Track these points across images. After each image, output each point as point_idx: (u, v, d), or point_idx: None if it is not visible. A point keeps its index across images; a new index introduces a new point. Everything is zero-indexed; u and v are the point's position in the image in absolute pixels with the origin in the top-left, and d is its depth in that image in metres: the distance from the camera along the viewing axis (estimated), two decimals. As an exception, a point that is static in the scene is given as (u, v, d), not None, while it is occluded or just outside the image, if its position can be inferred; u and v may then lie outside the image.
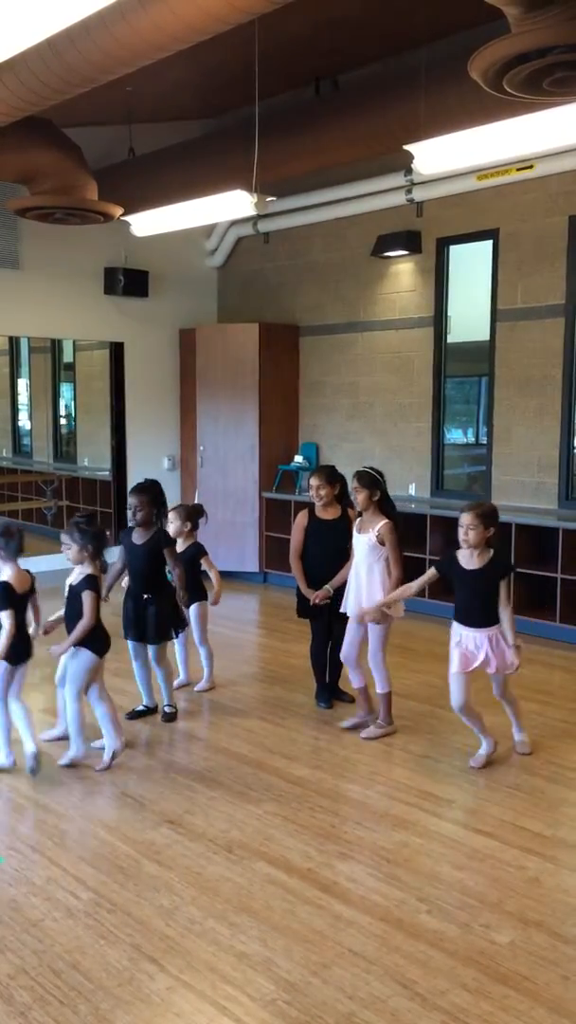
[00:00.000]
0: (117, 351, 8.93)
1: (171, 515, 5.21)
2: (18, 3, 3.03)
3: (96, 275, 8.53)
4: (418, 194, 7.34)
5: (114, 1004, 2.64)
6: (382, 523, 4.60)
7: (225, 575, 8.53)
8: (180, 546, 5.22)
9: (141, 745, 4.63)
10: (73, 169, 6.24)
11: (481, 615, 4.21)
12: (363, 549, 4.65)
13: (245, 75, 6.01)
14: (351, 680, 4.86)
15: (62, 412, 11.51)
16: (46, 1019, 2.57)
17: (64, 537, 4.24)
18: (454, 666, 4.26)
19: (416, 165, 5.35)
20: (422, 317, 7.67)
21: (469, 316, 7.52)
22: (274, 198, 6.13)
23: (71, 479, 10.43)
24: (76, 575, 4.23)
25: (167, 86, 6.72)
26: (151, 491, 4.78)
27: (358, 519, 4.72)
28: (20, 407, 12.52)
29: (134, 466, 9.01)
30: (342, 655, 4.85)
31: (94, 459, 10.27)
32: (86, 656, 4.18)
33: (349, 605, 4.74)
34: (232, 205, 5.85)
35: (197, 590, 5.29)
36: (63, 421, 11.50)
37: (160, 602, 4.78)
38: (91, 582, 4.16)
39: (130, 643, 4.87)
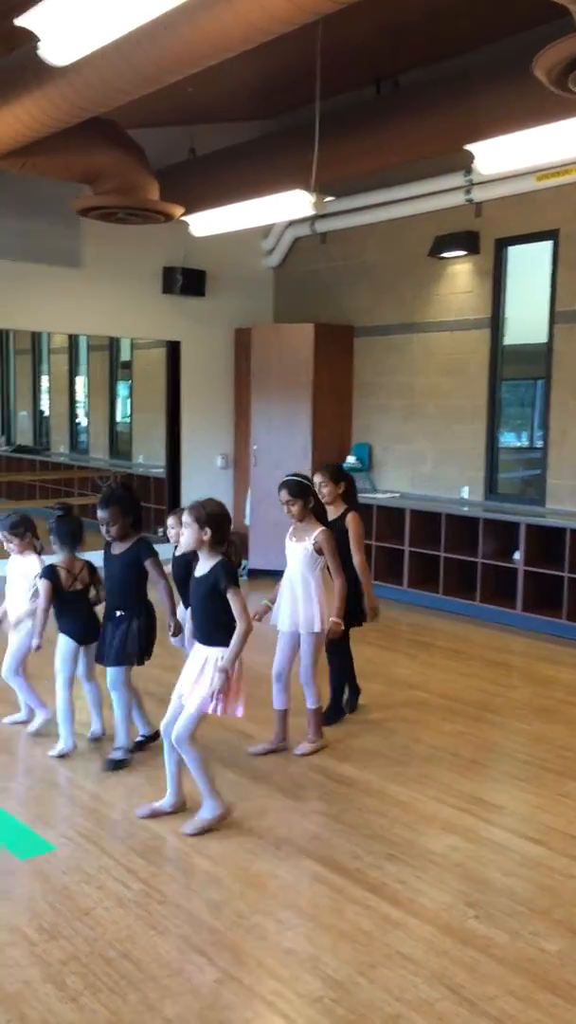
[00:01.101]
0: (174, 350, 9.03)
1: (170, 520, 4.79)
2: (87, 6, 3.09)
3: (154, 274, 8.63)
4: (477, 194, 7.28)
5: (163, 994, 2.67)
6: (318, 531, 4.34)
7: (275, 574, 8.58)
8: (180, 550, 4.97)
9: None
10: (136, 169, 6.32)
11: None
12: (298, 559, 4.37)
13: (305, 76, 6.03)
14: (275, 701, 4.47)
15: (118, 410, 11.67)
16: (97, 1006, 2.62)
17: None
18: None
19: (477, 165, 5.32)
20: (479, 319, 7.61)
21: (526, 318, 7.44)
22: (333, 198, 6.14)
23: (126, 476, 10.56)
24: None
25: (228, 87, 6.77)
26: (121, 501, 4.19)
27: (292, 527, 4.45)
28: (78, 404, 12.73)
29: (188, 464, 9.10)
30: (274, 673, 4.46)
31: (149, 456, 10.40)
32: (60, 642, 4.35)
33: (282, 619, 4.39)
34: (291, 205, 5.88)
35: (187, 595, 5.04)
36: (119, 419, 11.66)
37: (137, 620, 4.21)
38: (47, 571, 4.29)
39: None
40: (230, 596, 3.53)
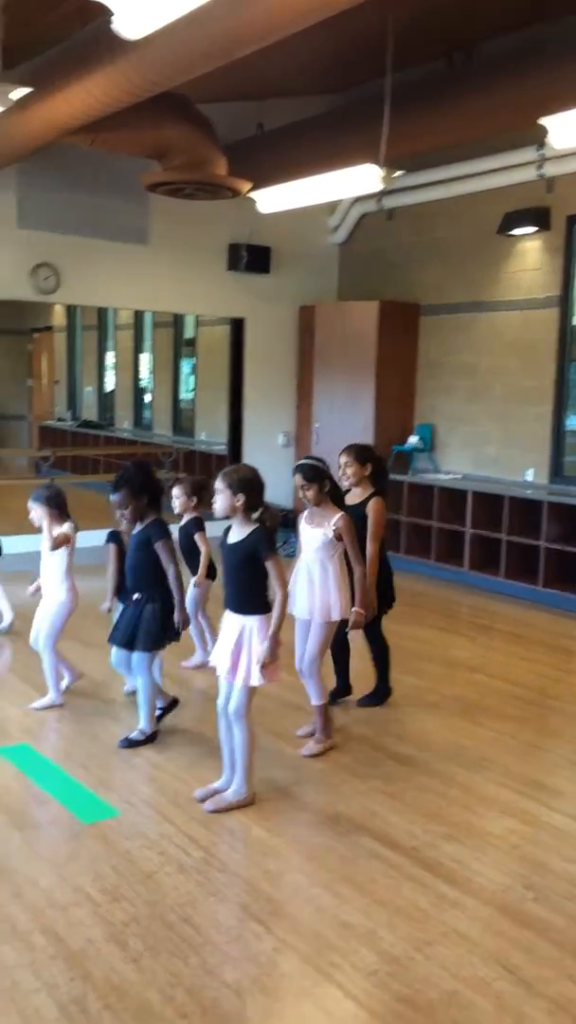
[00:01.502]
0: (238, 327, 9.04)
1: (175, 490, 5.02)
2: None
3: (220, 251, 8.63)
4: (549, 169, 7.11)
5: (222, 959, 2.73)
6: (338, 516, 4.11)
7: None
8: (182, 520, 5.06)
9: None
10: (205, 144, 6.32)
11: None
12: (314, 545, 4.14)
13: (376, 49, 5.94)
14: (311, 696, 4.26)
15: (182, 386, 11.75)
16: (157, 967, 2.68)
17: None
18: None
19: (550, 139, 5.19)
20: (548, 297, 7.45)
21: (599, 297, 7.27)
22: (403, 172, 6.05)
23: (188, 452, 10.65)
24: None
25: (298, 60, 6.70)
26: (131, 482, 4.12)
27: (306, 512, 4.23)
28: (142, 381, 12.86)
29: (249, 441, 9.13)
30: (298, 666, 4.23)
31: (211, 433, 10.46)
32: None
33: (299, 606, 4.15)
34: (359, 180, 5.82)
35: (195, 565, 5.08)
36: (182, 395, 11.74)
37: (152, 604, 4.14)
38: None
39: (113, 651, 4.31)
40: (269, 564, 3.46)
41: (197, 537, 5.07)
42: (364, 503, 4.52)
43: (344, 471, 4.53)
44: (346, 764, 4.13)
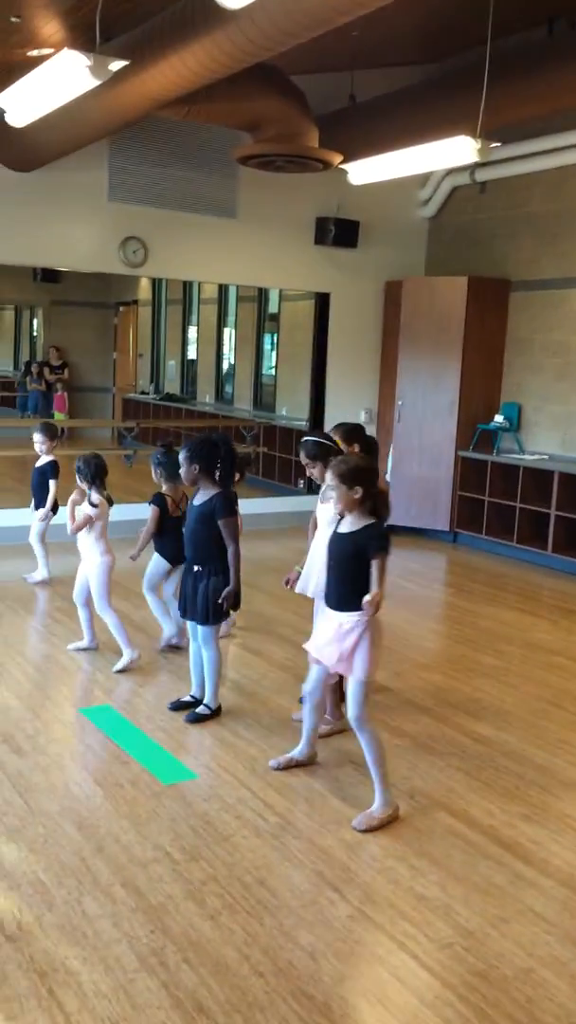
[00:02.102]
0: (323, 302, 9.00)
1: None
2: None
3: (307, 225, 8.59)
4: None
5: (297, 922, 2.77)
6: None
7: (414, 532, 8.54)
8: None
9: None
10: (297, 116, 6.28)
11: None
12: (327, 522, 3.86)
13: (472, 17, 5.80)
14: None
15: (264, 362, 11.78)
16: (234, 926, 2.74)
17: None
18: None
19: None
20: None
21: None
22: (498, 143, 5.90)
23: (269, 427, 10.69)
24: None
25: (393, 30, 6.60)
26: (198, 448, 4.07)
27: (324, 488, 3.93)
28: (224, 355, 12.93)
29: (331, 417, 9.08)
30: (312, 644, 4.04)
31: (292, 409, 10.46)
32: (155, 561, 4.94)
33: (310, 585, 4.00)
34: (453, 152, 5.70)
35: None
36: (264, 371, 11.77)
37: (214, 577, 4.09)
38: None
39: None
40: (376, 563, 3.25)
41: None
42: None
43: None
44: (423, 742, 4.12)
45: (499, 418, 8.23)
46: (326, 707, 4.04)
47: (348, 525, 3.37)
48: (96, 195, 7.63)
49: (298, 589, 4.09)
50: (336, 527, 3.43)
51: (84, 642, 5.07)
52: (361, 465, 3.33)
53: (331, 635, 3.38)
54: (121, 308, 14.98)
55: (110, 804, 3.43)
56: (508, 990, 2.51)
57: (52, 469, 6.23)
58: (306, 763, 3.78)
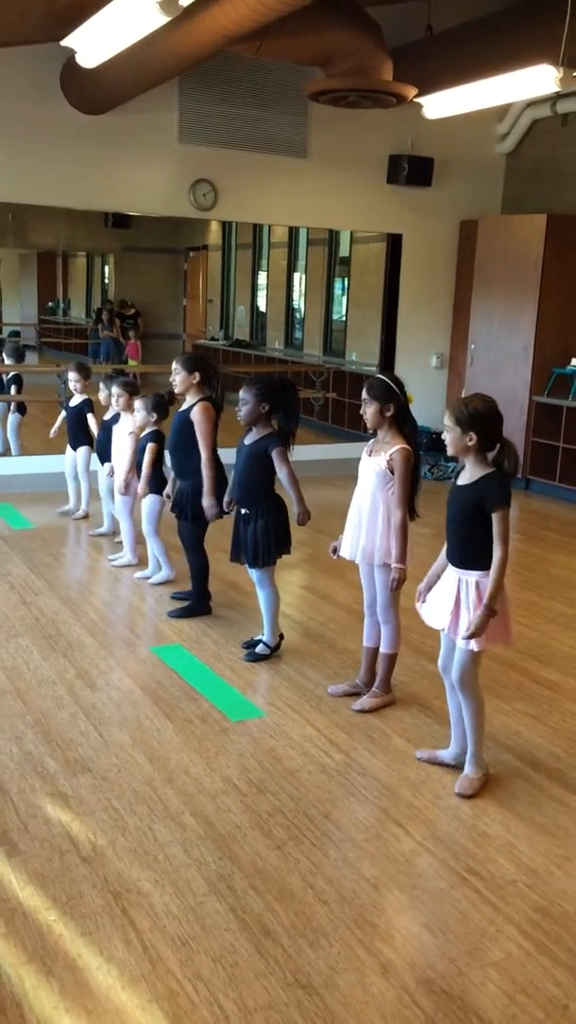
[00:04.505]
0: (395, 243, 8.82)
1: (137, 403, 5.12)
2: None
3: (380, 163, 8.39)
4: None
5: (361, 855, 2.83)
6: (397, 448, 3.59)
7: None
8: (142, 434, 5.18)
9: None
10: (371, 49, 6.09)
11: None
12: (369, 478, 3.65)
13: None
14: (365, 636, 3.93)
15: (334, 307, 11.64)
16: (300, 856, 2.81)
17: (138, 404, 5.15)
18: None
19: None
20: None
21: None
22: (582, 73, 5.64)
23: (338, 372, 10.60)
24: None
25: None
26: (264, 385, 4.07)
27: (372, 441, 3.72)
28: (294, 300, 12.81)
29: (402, 362, 8.98)
30: (365, 605, 3.86)
31: (362, 354, 10.35)
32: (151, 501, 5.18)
33: (346, 545, 3.77)
34: (534, 82, 5.48)
35: (157, 482, 5.11)
36: (334, 316, 11.64)
37: (264, 518, 4.11)
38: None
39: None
40: (496, 517, 2.97)
41: (148, 448, 5.10)
42: (189, 409, 4.61)
43: (172, 379, 4.63)
44: (489, 685, 4.10)
45: (575, 362, 8.00)
46: (381, 676, 3.86)
47: (466, 476, 3.08)
48: (166, 137, 7.58)
49: (346, 555, 3.79)
50: (456, 479, 3.15)
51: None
52: (481, 410, 3.00)
53: (445, 595, 3.13)
54: (191, 253, 14.93)
55: (180, 738, 3.53)
56: (569, 926, 2.53)
57: (89, 406, 6.41)
58: (453, 766, 3.33)
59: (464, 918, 2.56)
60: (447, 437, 3.06)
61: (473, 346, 8.44)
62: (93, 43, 4.97)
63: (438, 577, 3.22)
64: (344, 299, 11.30)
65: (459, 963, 2.39)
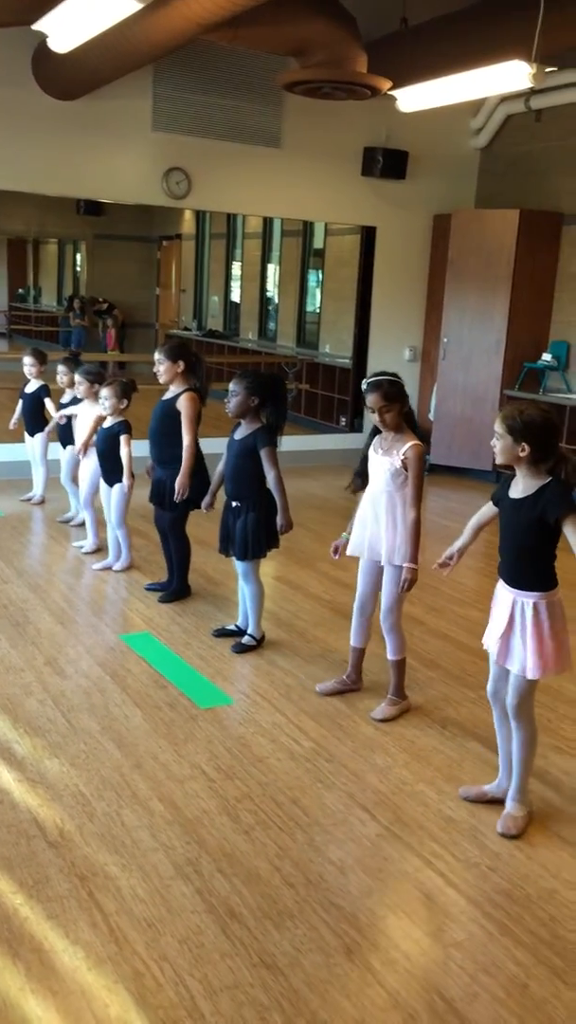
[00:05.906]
0: (369, 236, 8.84)
1: (105, 391, 5.10)
2: None
3: (354, 155, 8.40)
4: None
5: (328, 839, 2.86)
6: (410, 445, 3.56)
7: (457, 471, 8.50)
8: (108, 422, 5.15)
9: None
10: (346, 40, 6.10)
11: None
12: (382, 476, 3.60)
13: None
14: (352, 636, 3.88)
15: (308, 298, 11.64)
16: (267, 840, 2.84)
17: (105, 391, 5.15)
18: None
19: None
20: None
21: None
22: (555, 68, 5.69)
23: (312, 364, 10.62)
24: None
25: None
26: (252, 379, 4.08)
27: (379, 438, 3.65)
28: (268, 291, 12.80)
29: (375, 355, 9.01)
30: (356, 604, 3.82)
31: (335, 346, 10.37)
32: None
33: (355, 543, 3.72)
34: (507, 77, 5.51)
35: (118, 471, 5.09)
36: (308, 308, 11.64)
37: (253, 512, 4.13)
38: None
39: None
40: (569, 530, 2.71)
41: (122, 439, 5.06)
42: (175, 399, 4.66)
43: (156, 368, 4.67)
44: (457, 675, 4.17)
45: (547, 356, 8.08)
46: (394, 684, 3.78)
47: (519, 488, 2.85)
48: (140, 125, 7.53)
49: (354, 553, 3.75)
50: (507, 490, 2.92)
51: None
52: (537, 421, 2.76)
53: (498, 618, 2.93)
54: (164, 242, 14.86)
55: (148, 725, 3.54)
56: (531, 908, 2.58)
57: (45, 391, 6.41)
58: (501, 798, 3.06)
59: (427, 900, 2.60)
60: (496, 444, 2.84)
61: (446, 340, 8.50)
62: (65, 28, 4.93)
63: (459, 552, 3.21)
64: (318, 291, 11.31)
65: (422, 944, 2.43)
